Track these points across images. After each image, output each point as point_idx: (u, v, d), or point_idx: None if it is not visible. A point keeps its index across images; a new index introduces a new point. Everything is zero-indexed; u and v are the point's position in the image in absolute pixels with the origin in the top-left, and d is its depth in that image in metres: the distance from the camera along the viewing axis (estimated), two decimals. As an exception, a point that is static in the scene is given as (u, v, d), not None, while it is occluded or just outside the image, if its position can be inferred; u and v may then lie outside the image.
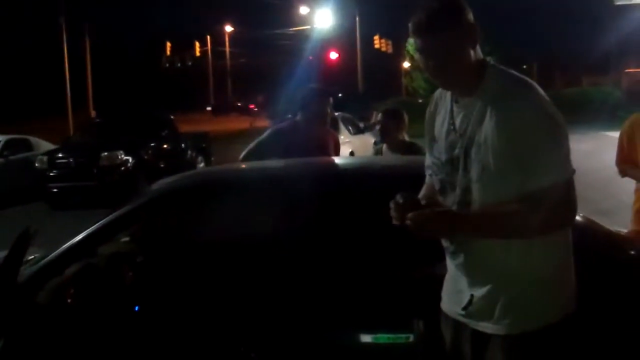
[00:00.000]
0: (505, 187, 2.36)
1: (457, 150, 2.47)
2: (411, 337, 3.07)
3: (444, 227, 2.42)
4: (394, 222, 2.46)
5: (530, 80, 2.46)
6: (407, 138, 5.69)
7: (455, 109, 2.51)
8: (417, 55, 2.54)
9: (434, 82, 2.53)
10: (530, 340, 2.42)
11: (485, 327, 2.47)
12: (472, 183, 2.43)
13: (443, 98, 2.60)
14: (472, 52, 2.42)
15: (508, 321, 2.43)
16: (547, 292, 2.43)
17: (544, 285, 2.42)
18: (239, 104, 62.73)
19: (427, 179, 2.74)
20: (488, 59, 2.50)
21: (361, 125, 20.17)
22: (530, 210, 2.31)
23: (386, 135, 5.62)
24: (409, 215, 2.38)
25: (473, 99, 2.44)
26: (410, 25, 2.43)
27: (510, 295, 2.42)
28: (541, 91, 2.41)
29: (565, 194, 2.34)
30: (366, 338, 3.15)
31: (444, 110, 2.58)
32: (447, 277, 2.65)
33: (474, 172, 2.41)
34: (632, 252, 3.59)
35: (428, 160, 2.69)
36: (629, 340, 3.03)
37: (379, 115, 5.67)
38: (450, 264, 2.61)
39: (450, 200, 2.52)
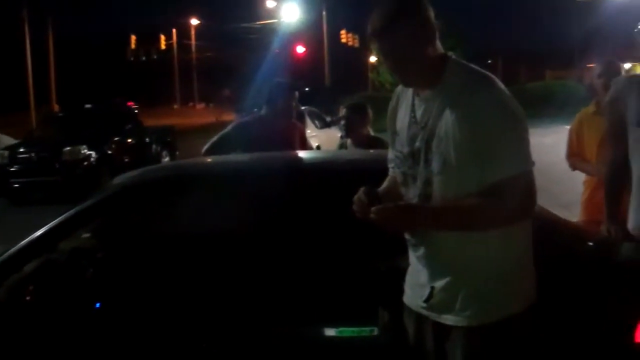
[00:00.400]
0: (466, 180, 2.39)
1: (418, 143, 2.50)
2: (375, 331, 3.08)
3: (407, 220, 2.45)
4: (357, 215, 2.50)
5: (491, 75, 2.49)
6: (371, 132, 5.70)
7: (416, 102, 2.54)
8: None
9: None
10: (490, 332, 2.44)
11: (446, 319, 2.50)
12: (433, 176, 2.45)
13: (405, 91, 2.63)
14: (430, 49, 2.46)
15: (468, 313, 2.46)
16: (506, 284, 2.46)
17: (504, 277, 2.45)
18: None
19: (390, 172, 2.76)
20: (450, 53, 2.53)
21: (328, 119, 20.15)
22: (491, 202, 2.36)
23: (351, 130, 5.62)
24: (373, 209, 2.41)
25: (434, 93, 2.47)
26: (368, 27, 2.48)
27: (470, 287, 2.45)
28: (502, 86, 2.45)
29: (525, 186, 2.38)
30: (330, 332, 3.15)
31: (406, 103, 2.60)
32: (410, 269, 2.68)
33: (435, 165, 2.43)
34: (591, 244, 3.63)
35: (391, 154, 2.72)
36: (587, 332, 3.07)
37: (344, 110, 5.67)
38: (412, 256, 2.64)
39: (412, 193, 2.55)
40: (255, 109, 14.14)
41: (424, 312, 2.58)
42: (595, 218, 4.58)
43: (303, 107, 18.75)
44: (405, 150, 2.56)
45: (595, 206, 4.79)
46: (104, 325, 3.34)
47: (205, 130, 23.11)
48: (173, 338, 3.27)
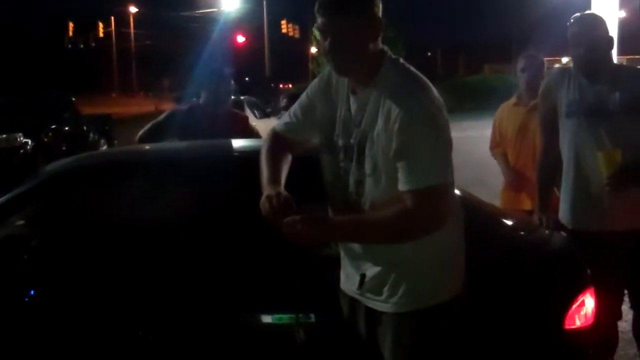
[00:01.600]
0: (393, 185, 2.39)
1: (352, 140, 2.50)
2: (312, 317, 3.10)
3: (319, 234, 2.41)
4: (267, 220, 2.43)
5: (424, 80, 2.46)
6: None
7: (351, 97, 2.53)
8: (318, 36, 2.54)
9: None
10: (419, 319, 2.50)
11: (377, 305, 2.56)
12: (365, 177, 2.46)
13: (342, 82, 2.59)
14: (372, 44, 2.43)
15: (397, 300, 2.51)
16: (436, 273, 2.52)
17: (433, 266, 2.50)
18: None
19: (284, 130, 2.74)
20: (386, 48, 2.51)
21: (268, 109, 20.14)
22: (400, 215, 2.35)
23: None
24: (284, 221, 2.35)
25: (367, 92, 2.46)
26: (317, 1, 2.42)
27: (399, 275, 2.50)
28: (434, 93, 2.43)
29: (436, 200, 2.36)
30: (267, 319, 3.16)
31: (342, 92, 2.58)
32: (342, 256, 2.71)
33: (368, 167, 2.44)
34: (522, 233, 3.71)
35: (300, 126, 2.71)
36: (518, 320, 3.14)
37: (284, 100, 5.68)
38: (341, 246, 2.67)
39: (340, 186, 2.56)
40: (195, 98, 14.03)
41: (357, 297, 2.63)
42: (511, 207, 4.90)
43: (242, 97, 18.71)
44: (340, 142, 2.55)
45: (509, 197, 5.13)
46: (37, 313, 3.30)
47: (144, 119, 22.85)
48: (107, 327, 3.25)
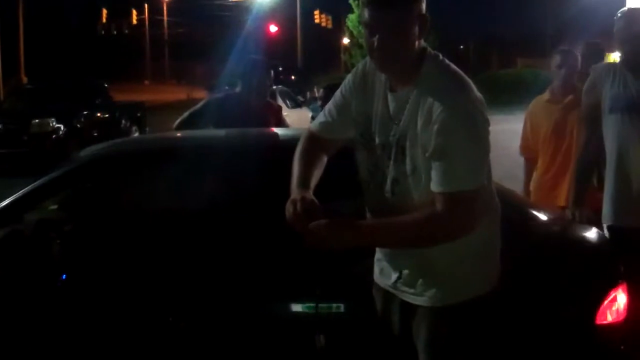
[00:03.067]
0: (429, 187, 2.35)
1: (390, 138, 2.45)
2: (342, 307, 3.11)
3: (345, 240, 2.33)
4: (291, 225, 2.35)
5: (465, 79, 2.40)
6: None
7: (389, 95, 2.47)
8: (362, 29, 2.44)
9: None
10: (454, 313, 2.48)
11: (412, 298, 2.54)
12: (403, 176, 2.42)
13: (378, 78, 2.52)
14: (417, 42, 2.37)
15: (433, 293, 2.49)
16: (472, 267, 2.49)
17: (469, 261, 2.47)
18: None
19: (317, 129, 2.67)
20: (426, 45, 2.44)
21: (301, 98, 20.19)
22: (430, 218, 2.31)
23: None
24: (310, 225, 2.29)
25: (407, 90, 2.40)
26: None
27: (435, 269, 2.48)
28: (475, 93, 2.37)
29: (468, 204, 2.31)
30: (297, 307, 3.17)
31: (379, 88, 2.51)
32: (377, 250, 2.69)
33: (408, 167, 2.40)
34: (555, 227, 3.68)
35: (332, 119, 2.63)
36: (549, 315, 3.12)
37: (321, 90, 5.68)
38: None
39: (376, 184, 2.52)
40: (227, 87, 14.07)
41: (392, 290, 2.61)
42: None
43: (275, 87, 18.75)
44: (377, 139, 2.49)
45: (543, 192, 5.01)
46: (69, 297, 3.33)
47: (176, 107, 22.97)
48: (139, 312, 3.27)
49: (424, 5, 2.37)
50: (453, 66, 2.44)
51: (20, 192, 3.55)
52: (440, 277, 2.48)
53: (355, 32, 37.25)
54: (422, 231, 2.33)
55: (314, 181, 2.51)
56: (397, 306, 2.62)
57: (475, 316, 2.50)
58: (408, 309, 2.57)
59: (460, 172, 2.29)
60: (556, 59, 5.01)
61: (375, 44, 2.33)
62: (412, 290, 2.53)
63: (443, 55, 2.49)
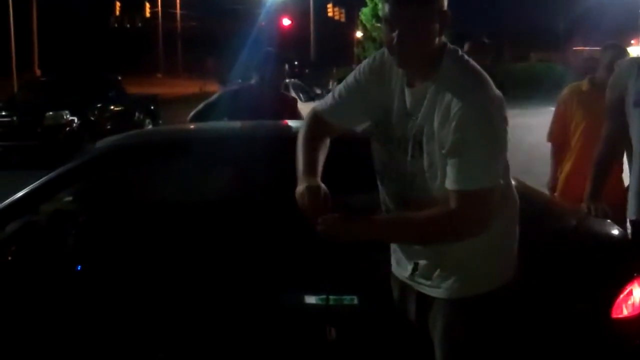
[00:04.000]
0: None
1: (407, 132, 2.42)
2: (355, 300, 3.10)
3: (358, 234, 2.35)
4: (305, 214, 2.35)
5: (484, 76, 2.37)
6: None
7: (406, 90, 2.44)
8: (377, 24, 2.44)
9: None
10: (470, 305, 2.48)
11: (429, 290, 2.54)
12: (420, 172, 2.40)
13: (395, 71, 2.48)
14: (438, 39, 2.34)
15: (449, 285, 2.49)
16: (489, 260, 2.49)
17: (487, 254, 2.46)
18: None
19: (327, 117, 2.63)
20: (445, 40, 2.40)
21: (318, 91, 20.21)
22: (444, 215, 2.30)
23: None
24: (322, 218, 2.31)
25: (425, 85, 2.38)
26: None
27: (452, 262, 2.47)
28: (494, 91, 2.34)
29: (483, 203, 2.29)
30: (311, 299, 3.17)
31: (395, 81, 2.48)
32: (392, 245, 2.68)
33: (425, 163, 2.38)
34: (570, 221, 3.66)
35: (342, 104, 2.60)
36: (565, 308, 3.12)
37: (335, 84, 5.65)
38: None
39: (393, 177, 2.51)
40: (240, 80, 14.08)
41: (408, 282, 2.61)
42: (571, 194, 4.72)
43: (288, 80, 18.77)
44: (394, 133, 2.47)
45: (574, 182, 4.88)
46: (84, 288, 3.35)
47: (189, 100, 23.02)
48: (152, 303, 3.28)
49: (445, 2, 2.34)
50: (472, 62, 2.41)
51: (36, 183, 3.57)
52: (457, 269, 2.47)
53: (368, 26, 37.22)
54: (435, 228, 2.33)
55: (320, 165, 2.50)
56: (414, 297, 2.61)
57: (492, 309, 2.50)
58: (424, 300, 2.56)
59: (476, 171, 2.27)
60: (608, 54, 4.93)
61: (395, 39, 2.30)
62: (428, 282, 2.53)
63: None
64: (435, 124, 2.33)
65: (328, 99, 2.67)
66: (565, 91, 5.28)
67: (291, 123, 4.22)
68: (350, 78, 2.62)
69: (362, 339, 3.13)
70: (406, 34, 2.28)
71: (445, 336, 2.52)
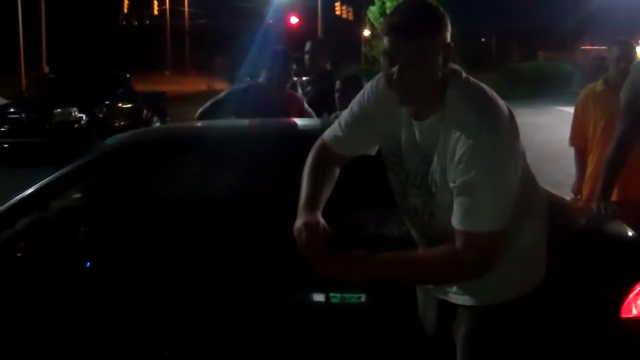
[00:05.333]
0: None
1: (417, 165, 2.35)
2: (362, 297, 3.10)
3: (358, 275, 2.24)
4: (302, 252, 2.27)
5: (493, 103, 2.25)
6: None
7: (414, 123, 2.33)
8: (380, 58, 2.27)
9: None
10: (495, 313, 2.42)
11: (454, 298, 2.47)
12: (435, 208, 2.33)
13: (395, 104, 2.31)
14: (439, 72, 2.21)
15: (474, 294, 2.41)
16: (516, 268, 2.40)
17: (513, 262, 2.36)
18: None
19: (332, 144, 2.53)
20: (454, 67, 2.30)
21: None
22: (449, 256, 2.21)
23: (346, 102, 5.61)
24: (322, 260, 2.23)
25: (433, 120, 2.26)
26: (385, 24, 2.21)
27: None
28: (504, 121, 2.21)
29: (490, 246, 2.20)
30: (319, 297, 3.17)
31: (403, 115, 2.37)
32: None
33: (439, 197, 2.30)
34: (580, 220, 3.66)
35: (346, 132, 2.50)
36: (574, 308, 3.11)
37: (338, 83, 5.64)
38: (414, 236, 2.56)
39: (410, 208, 2.44)
40: (248, 78, 14.09)
41: (432, 289, 2.56)
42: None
43: (295, 78, 18.70)
44: (407, 165, 2.38)
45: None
46: (93, 285, 3.36)
47: (197, 97, 23.05)
48: (159, 299, 3.29)
49: (448, 34, 2.22)
50: (479, 87, 2.29)
51: (45, 180, 3.58)
52: (484, 278, 2.32)
53: (375, 24, 37.18)
54: (438, 269, 2.24)
55: (324, 199, 2.41)
56: (436, 304, 2.57)
57: (517, 315, 2.44)
58: (447, 307, 2.51)
59: (483, 214, 2.17)
60: (614, 51, 4.93)
61: (395, 74, 2.17)
62: (453, 290, 2.46)
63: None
64: (447, 163, 2.22)
65: (335, 128, 2.55)
66: (580, 94, 5.28)
67: (299, 121, 4.22)
68: (355, 106, 2.50)
69: (369, 337, 3.13)
70: (407, 69, 2.15)
71: (469, 343, 2.47)
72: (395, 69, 2.17)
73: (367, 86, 2.49)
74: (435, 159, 2.27)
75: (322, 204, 2.38)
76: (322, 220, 2.28)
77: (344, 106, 5.63)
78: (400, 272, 2.27)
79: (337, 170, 2.53)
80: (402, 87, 2.19)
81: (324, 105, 5.58)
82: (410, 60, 2.15)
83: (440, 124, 2.24)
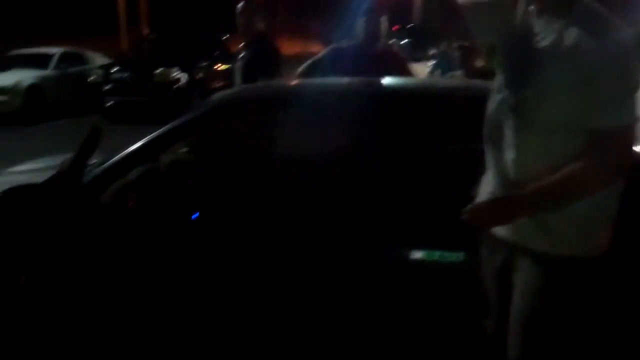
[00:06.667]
0: (565, 146, 2.29)
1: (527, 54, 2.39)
2: (462, 256, 3.12)
3: (502, 216, 2.34)
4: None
5: (614, 19, 2.34)
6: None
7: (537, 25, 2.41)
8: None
9: None
10: (559, 265, 2.39)
11: (533, 244, 2.44)
12: (529, 98, 2.34)
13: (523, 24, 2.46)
14: None
15: (561, 237, 2.39)
16: (598, 219, 2.39)
17: (597, 209, 2.36)
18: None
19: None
20: None
21: (434, 51, 20.18)
22: (591, 162, 2.23)
23: (466, 62, 5.66)
24: (465, 209, 2.34)
25: (557, 25, 2.34)
26: None
27: (550, 221, 2.38)
28: (625, 32, 2.30)
29: (628, 141, 2.27)
30: (417, 255, 3.21)
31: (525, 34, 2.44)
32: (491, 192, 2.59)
33: (535, 90, 2.33)
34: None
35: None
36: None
37: (445, 48, 5.65)
38: (491, 184, 2.57)
39: (495, 142, 2.47)
40: (344, 39, 14.04)
41: (501, 232, 2.54)
42: None
43: (390, 41, 18.61)
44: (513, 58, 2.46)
45: None
46: (199, 237, 3.48)
47: (292, 60, 23.12)
48: (265, 254, 3.39)
49: None
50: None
51: (155, 133, 3.70)
52: (556, 224, 2.37)
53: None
54: (590, 178, 2.26)
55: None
56: (502, 251, 2.55)
57: (581, 276, 2.40)
58: (513, 255, 2.51)
59: (625, 106, 2.24)
60: None
61: None
62: (523, 235, 2.44)
63: None
64: (564, 57, 2.28)
65: None
66: None
67: (398, 80, 4.20)
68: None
69: (467, 296, 3.13)
70: None
71: (525, 290, 2.45)
72: None
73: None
74: (549, 49, 2.32)
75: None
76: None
77: (465, 64, 5.64)
78: (549, 199, 2.31)
79: None
80: None
81: (258, 69, 5.45)
82: None
83: (564, 23, 2.31)
